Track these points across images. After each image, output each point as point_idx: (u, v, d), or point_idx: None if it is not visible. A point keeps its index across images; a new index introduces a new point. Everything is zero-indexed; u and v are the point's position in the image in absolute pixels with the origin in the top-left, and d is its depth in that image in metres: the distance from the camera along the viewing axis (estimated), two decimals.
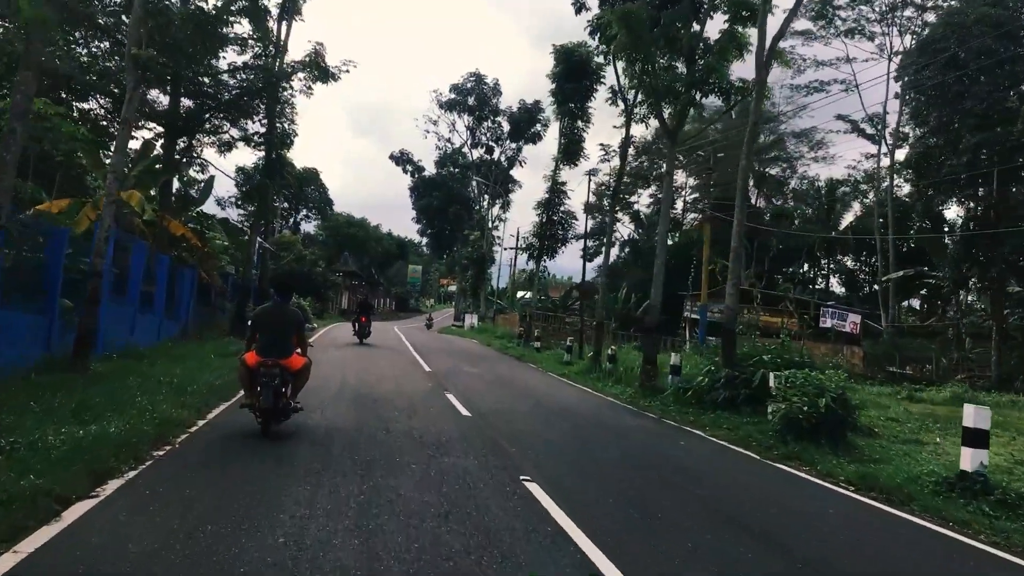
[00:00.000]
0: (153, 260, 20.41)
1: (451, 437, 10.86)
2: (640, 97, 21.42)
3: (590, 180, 35.92)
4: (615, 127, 23.23)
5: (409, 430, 11.16)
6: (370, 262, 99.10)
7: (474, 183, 76.87)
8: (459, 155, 66.62)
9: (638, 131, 57.62)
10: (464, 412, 13.54)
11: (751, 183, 67.95)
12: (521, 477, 8.49)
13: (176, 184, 26.15)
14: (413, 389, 16.61)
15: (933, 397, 25.92)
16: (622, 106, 24.12)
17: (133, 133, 25.76)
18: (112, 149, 24.95)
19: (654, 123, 22.02)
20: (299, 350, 10.14)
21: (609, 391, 19.98)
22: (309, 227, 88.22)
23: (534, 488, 7.96)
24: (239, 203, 27.81)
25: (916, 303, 63.29)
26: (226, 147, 25.30)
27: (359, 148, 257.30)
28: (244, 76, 23.27)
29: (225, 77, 23.36)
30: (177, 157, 23.78)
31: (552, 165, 39.40)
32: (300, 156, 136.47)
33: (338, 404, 13.33)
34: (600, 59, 28.25)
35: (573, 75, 34.53)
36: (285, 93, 24.95)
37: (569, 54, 34.21)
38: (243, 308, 25.02)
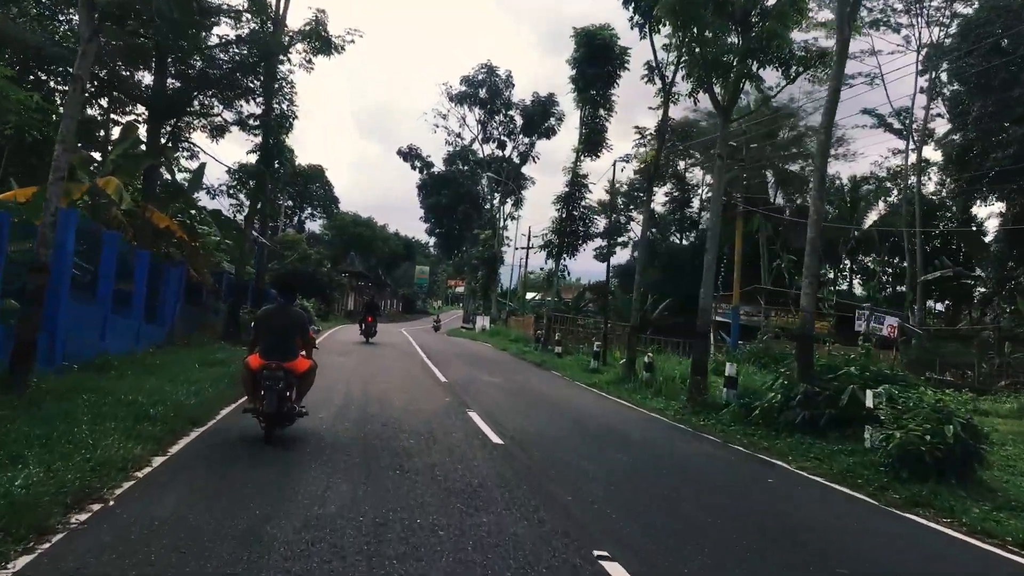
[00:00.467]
0: (132, 255, 17.90)
1: (484, 479, 8.30)
2: (683, 72, 18.81)
3: (614, 170, 33.13)
4: (651, 108, 20.64)
5: (429, 468, 8.60)
6: (377, 263, 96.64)
7: (484, 181, 74.38)
8: (469, 152, 63.88)
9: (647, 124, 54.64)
10: (494, 438, 10.98)
11: (769, 179, 65.46)
12: (596, 553, 5.91)
13: (168, 175, 23.63)
14: (429, 405, 14.06)
15: (997, 409, 23.25)
16: (659, 84, 21.53)
17: (115, 117, 23.38)
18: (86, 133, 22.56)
19: (677, 110, 19.43)
20: (304, 352, 9.79)
21: (651, 405, 17.39)
22: (314, 226, 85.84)
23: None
24: (231, 192, 24.61)
25: (936, 305, 60.57)
26: (218, 131, 22.83)
27: (365, 150, 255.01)
28: (237, 50, 20.72)
29: (216, 52, 20.80)
30: (163, 142, 21.24)
31: (568, 159, 36.89)
32: (304, 157, 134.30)
33: (339, 428, 10.81)
34: (628, 39, 25.66)
35: (595, 60, 32.03)
36: (283, 68, 22.42)
37: (591, 37, 31.71)
38: (237, 310, 22.47)
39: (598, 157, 33.77)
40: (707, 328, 18.65)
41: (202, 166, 22.94)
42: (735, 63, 16.78)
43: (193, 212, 22.64)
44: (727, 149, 19.29)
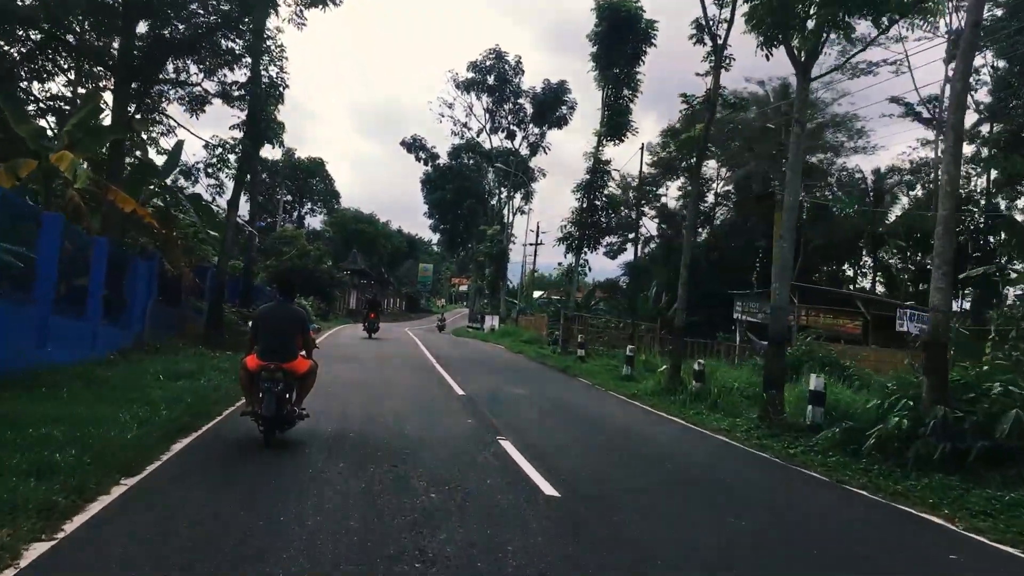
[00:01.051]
0: (89, 244, 14.84)
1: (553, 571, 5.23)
2: (744, 28, 15.63)
3: (642, 154, 29.85)
4: (699, 74, 17.63)
5: (466, 553, 5.51)
6: (379, 260, 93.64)
7: (491, 175, 71.30)
8: (476, 144, 60.71)
9: (662, 119, 51.38)
10: (545, 487, 7.90)
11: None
12: None
13: (138, 153, 20.47)
14: (450, 432, 11.00)
15: None
16: (709, 45, 18.38)
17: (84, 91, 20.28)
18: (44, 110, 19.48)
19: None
20: (304, 352, 9.25)
21: (713, 425, 14.29)
22: (315, 222, 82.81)
23: None
24: (210, 171, 21.19)
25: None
26: (197, 103, 19.73)
27: (366, 148, 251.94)
28: (217, 3, 17.59)
29: (193, 5, 17.67)
30: (131, 113, 18.09)
31: (576, 154, 33.72)
32: (304, 151, 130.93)
33: (332, 469, 7.76)
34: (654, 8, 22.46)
35: (618, 34, 28.89)
36: (271, 25, 19.28)
37: (614, 10, 28.64)
38: (219, 309, 19.30)
39: (622, 141, 30.60)
40: (784, 333, 15.54)
41: (179, 144, 19.79)
42: (814, 11, 13.70)
43: (169, 197, 19.51)
44: (805, 112, 16.11)
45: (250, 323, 10.57)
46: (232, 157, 20.82)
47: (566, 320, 32.79)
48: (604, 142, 30.56)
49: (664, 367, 20.26)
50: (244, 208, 22.69)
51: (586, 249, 32.02)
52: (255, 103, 19.06)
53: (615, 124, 30.04)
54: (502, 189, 59.09)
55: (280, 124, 20.84)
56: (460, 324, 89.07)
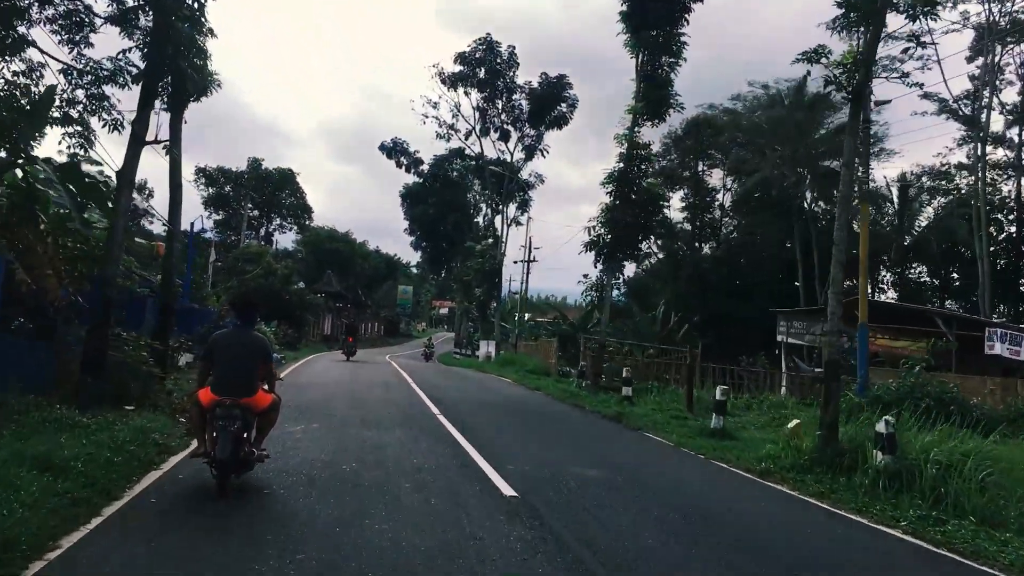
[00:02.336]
0: None
1: None
2: None
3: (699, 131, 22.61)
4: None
5: None
6: (356, 282, 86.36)
7: (476, 186, 64.52)
8: (462, 153, 53.73)
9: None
10: None
11: (806, 182, 56.07)
12: None
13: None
14: None
15: None
16: None
17: None
18: None
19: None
20: (265, 386, 8.07)
21: (988, 554, 7.38)
22: (285, 240, 75.44)
23: None
24: (86, 114, 13.67)
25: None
26: (75, 28, 12.65)
27: (342, 171, 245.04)
28: None
29: None
30: None
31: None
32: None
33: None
34: None
35: None
36: None
37: None
38: (99, 342, 11.89)
39: (662, 121, 23.88)
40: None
41: (51, 90, 12.66)
42: None
43: (30, 168, 12.30)
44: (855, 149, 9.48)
45: (203, 352, 8.39)
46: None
47: (597, 349, 25.86)
48: (640, 121, 23.75)
49: (795, 422, 13.35)
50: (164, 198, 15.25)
51: (619, 255, 24.96)
52: (159, 9, 11.71)
53: (654, 99, 23.31)
54: (496, 198, 52.02)
55: (204, 52, 13.52)
56: (443, 350, 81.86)
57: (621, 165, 23.91)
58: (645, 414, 17.97)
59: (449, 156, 59.60)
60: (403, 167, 53.59)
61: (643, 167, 23.98)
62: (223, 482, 7.41)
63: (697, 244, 61.12)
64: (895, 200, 55.71)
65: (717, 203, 62.65)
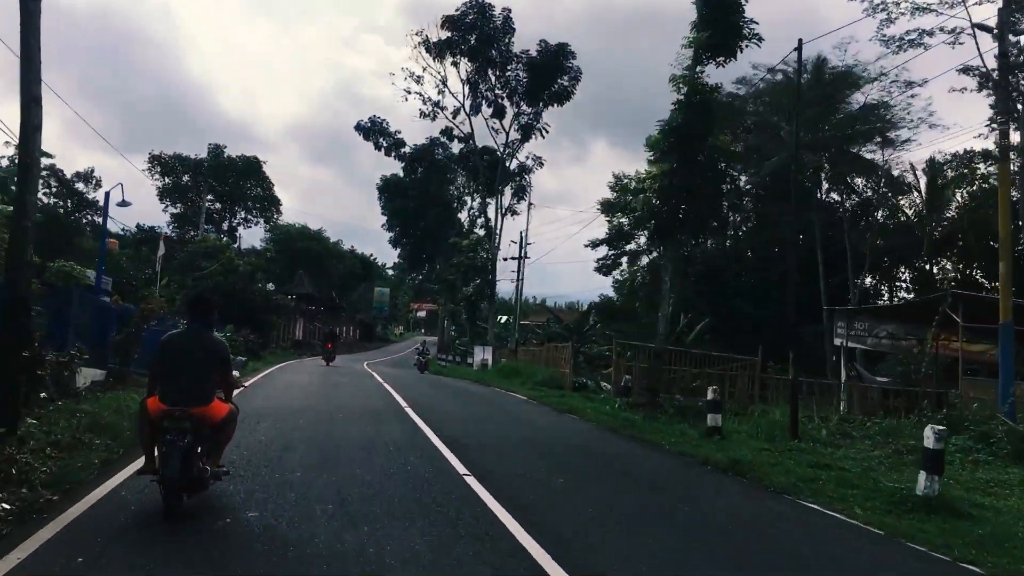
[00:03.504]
0: None
1: None
2: None
3: (800, 72, 16.32)
4: None
5: None
6: (329, 283, 79.67)
7: (461, 178, 58.25)
8: (450, 135, 47.20)
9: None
10: None
11: (825, 167, 50.50)
12: None
13: None
14: None
15: None
16: None
17: None
18: None
19: None
20: (221, 394, 7.04)
21: None
22: (252, 237, 68.59)
23: None
24: None
25: None
26: None
27: (315, 175, 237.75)
28: None
29: None
30: None
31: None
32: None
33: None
34: None
35: None
36: None
37: None
38: None
39: (733, 57, 17.85)
40: None
41: None
42: None
43: None
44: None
45: (153, 356, 7.17)
46: None
47: (654, 358, 19.73)
48: (704, 58, 17.73)
49: None
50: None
51: (682, 237, 18.91)
52: None
53: (722, 25, 17.30)
54: (488, 185, 45.66)
55: None
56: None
57: (680, 117, 17.81)
58: (758, 457, 11.88)
59: (431, 146, 53.17)
60: (382, 149, 47.08)
61: (710, 119, 17.88)
62: (171, 503, 6.35)
63: (704, 239, 55.39)
64: (923, 188, 50.21)
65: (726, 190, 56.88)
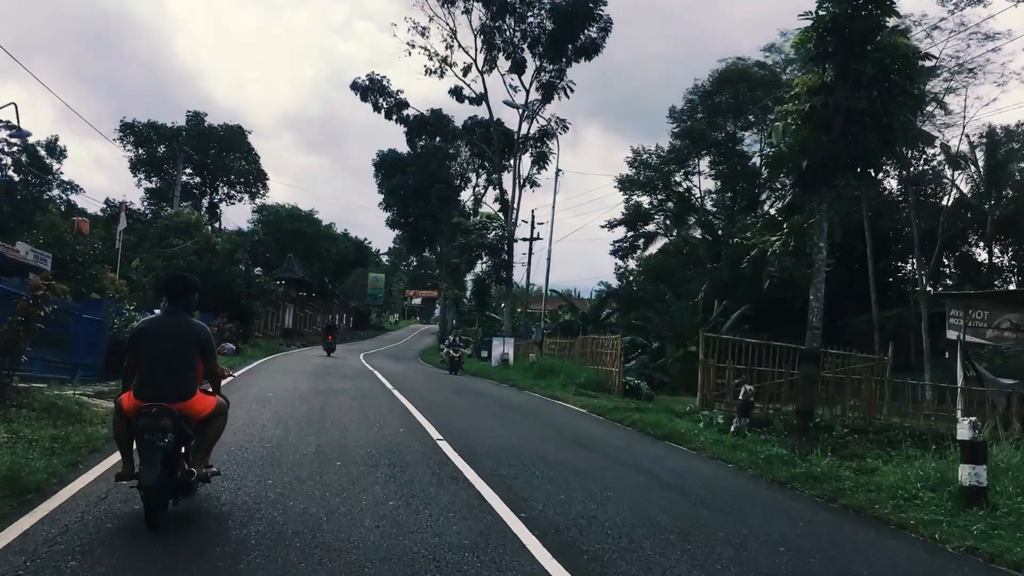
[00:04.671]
0: None
1: None
2: None
3: None
4: None
5: None
6: (322, 268, 73.41)
7: (465, 152, 52.06)
8: (459, 95, 40.63)
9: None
10: None
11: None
12: None
13: None
14: None
15: None
16: None
17: None
18: None
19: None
20: (206, 385, 6.15)
21: None
22: (237, 217, 62.17)
23: None
24: None
25: None
26: None
27: (307, 162, 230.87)
28: None
29: None
30: None
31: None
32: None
33: None
34: None
35: None
36: None
37: None
38: None
39: None
40: None
41: None
42: None
43: None
44: None
45: (127, 345, 6.25)
46: None
47: (802, 363, 13.55)
48: None
49: None
50: None
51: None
52: None
53: None
54: (503, 154, 39.31)
55: None
56: (421, 344, 69.48)
57: (828, 7, 11.71)
58: None
59: (431, 120, 46.66)
60: (381, 111, 40.57)
61: (880, 8, 11.78)
62: (153, 513, 5.38)
63: (736, 219, 49.54)
64: (980, 164, 44.29)
65: (749, 164, 51.03)
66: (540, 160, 37.80)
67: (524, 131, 37.94)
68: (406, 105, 40.11)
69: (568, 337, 37.37)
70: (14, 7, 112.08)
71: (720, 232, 47.84)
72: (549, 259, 32.21)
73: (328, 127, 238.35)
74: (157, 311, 6.35)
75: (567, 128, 36.53)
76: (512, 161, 38.57)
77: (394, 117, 40.04)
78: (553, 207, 30.94)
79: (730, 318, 40.93)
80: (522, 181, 38.01)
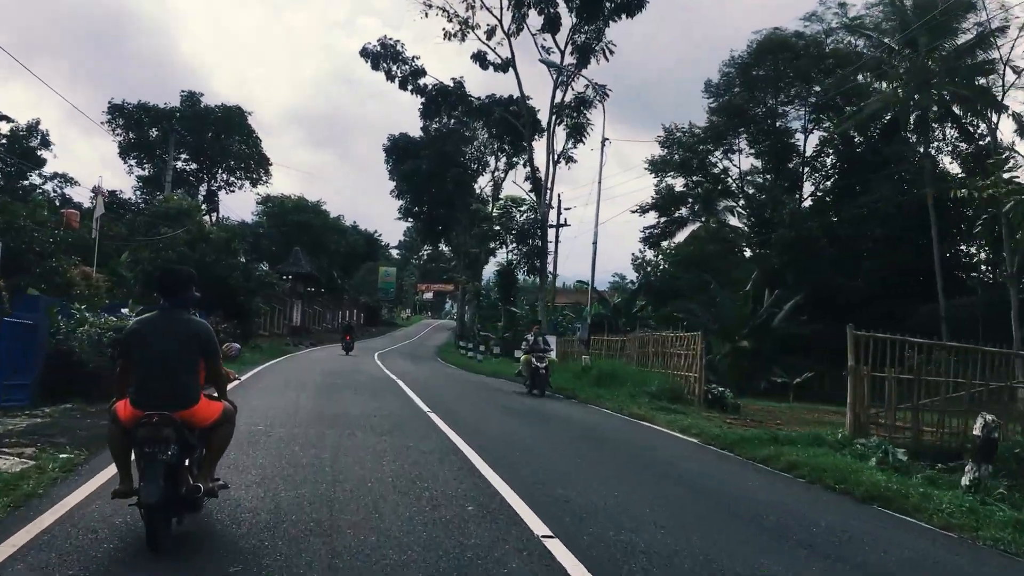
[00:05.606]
0: None
1: None
2: None
3: None
4: None
5: None
6: (330, 262, 68.85)
7: (482, 134, 47.30)
8: (483, 61, 35.57)
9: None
10: None
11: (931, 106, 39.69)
12: None
13: None
14: None
15: None
16: None
17: None
18: None
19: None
20: (211, 390, 5.45)
21: None
22: (243, 209, 57.42)
23: None
24: None
25: None
26: None
27: (316, 159, 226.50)
28: None
29: None
30: None
31: None
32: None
33: None
34: None
35: None
36: None
37: None
38: None
39: None
40: None
41: None
42: None
43: None
44: None
45: (119, 346, 6.10)
46: None
47: None
48: None
49: None
50: None
51: None
52: None
53: None
54: (534, 127, 34.27)
55: None
56: (435, 340, 64.92)
57: None
58: None
59: (453, 91, 41.75)
60: (395, 79, 35.61)
61: None
62: (155, 532, 4.75)
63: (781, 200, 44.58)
64: None
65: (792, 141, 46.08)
66: (576, 133, 32.90)
67: (558, 99, 33.12)
68: (423, 73, 35.13)
69: (599, 333, 32.77)
70: (16, 4, 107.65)
71: (768, 214, 42.90)
72: (596, 241, 27.42)
73: (333, 123, 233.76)
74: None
75: (607, 95, 31.79)
76: (540, 139, 33.58)
77: (409, 87, 35.07)
78: (599, 181, 25.74)
79: (783, 308, 36.38)
80: (556, 157, 33.11)
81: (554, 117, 33.06)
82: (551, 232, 32.75)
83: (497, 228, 36.41)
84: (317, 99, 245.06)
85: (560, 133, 32.68)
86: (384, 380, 20.33)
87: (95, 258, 25.93)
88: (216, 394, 5.47)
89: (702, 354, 18.32)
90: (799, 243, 38.29)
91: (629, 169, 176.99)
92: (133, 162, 44.60)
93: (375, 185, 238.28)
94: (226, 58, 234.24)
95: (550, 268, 34.74)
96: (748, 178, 47.53)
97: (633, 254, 58.45)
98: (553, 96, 33.29)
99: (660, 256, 54.36)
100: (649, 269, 55.75)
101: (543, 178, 32.87)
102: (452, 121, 51.80)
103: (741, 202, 47.46)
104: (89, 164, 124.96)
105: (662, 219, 49.73)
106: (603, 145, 26.39)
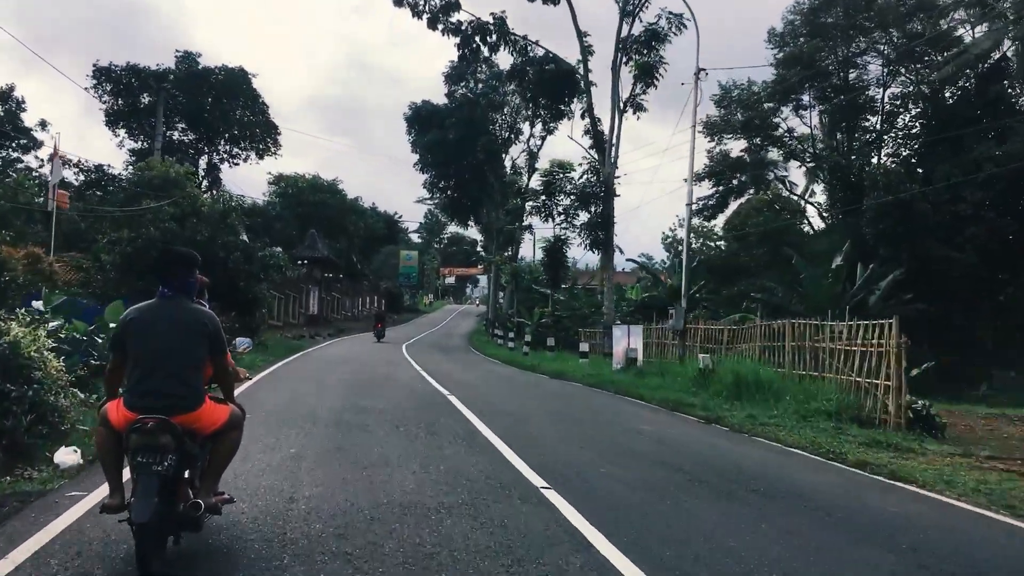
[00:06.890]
0: None
1: None
2: None
3: None
4: None
5: None
6: (349, 245, 63.00)
7: (515, 99, 40.99)
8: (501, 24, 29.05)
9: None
10: None
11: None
12: None
13: None
14: None
15: None
16: None
17: None
18: None
19: None
20: (216, 391, 4.69)
21: None
22: (249, 186, 51.32)
23: None
24: None
25: None
26: None
27: (333, 146, 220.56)
28: None
29: None
30: None
31: None
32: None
33: None
34: None
35: None
36: None
37: None
38: None
39: None
40: None
41: None
42: None
43: None
44: None
45: (112, 340, 4.85)
46: None
47: None
48: None
49: None
50: None
51: None
52: None
53: None
54: (616, 58, 27.05)
55: None
56: (463, 328, 59.00)
57: None
58: None
59: (495, 27, 34.53)
60: (423, 16, 28.58)
61: None
62: (146, 554, 3.92)
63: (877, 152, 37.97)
64: None
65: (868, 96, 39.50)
66: (646, 74, 26.34)
67: (624, 32, 26.60)
68: (456, 6, 28.54)
69: (648, 320, 26.61)
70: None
71: (854, 178, 36.35)
72: (690, 203, 21.08)
73: (350, 109, 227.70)
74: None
75: (684, 26, 25.46)
76: (615, 68, 26.52)
77: (439, 26, 28.47)
78: (694, 123, 19.08)
79: (880, 286, 30.14)
80: (623, 105, 26.64)
81: (619, 55, 26.59)
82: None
83: (543, 199, 30.06)
84: (332, 85, 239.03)
85: (626, 76, 26.29)
86: (429, 397, 14.24)
87: (52, 237, 20.05)
88: (222, 395, 4.62)
89: (902, 351, 12.04)
90: (897, 209, 31.85)
91: (648, 144, 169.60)
92: (124, 132, 38.60)
93: (393, 167, 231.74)
94: (235, 29, 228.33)
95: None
96: (820, 138, 41.04)
97: (663, 232, 52.24)
98: (620, 27, 26.74)
99: (720, 229, 48.06)
100: (702, 244, 49.30)
101: (608, 131, 26.46)
102: (480, 85, 45.54)
103: (810, 165, 41.05)
104: (103, 153, 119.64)
105: (717, 189, 43.41)
106: (697, 78, 20.01)
